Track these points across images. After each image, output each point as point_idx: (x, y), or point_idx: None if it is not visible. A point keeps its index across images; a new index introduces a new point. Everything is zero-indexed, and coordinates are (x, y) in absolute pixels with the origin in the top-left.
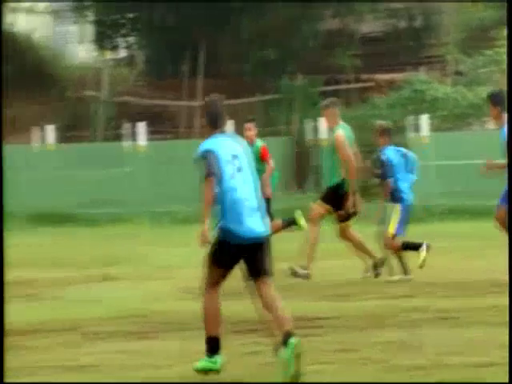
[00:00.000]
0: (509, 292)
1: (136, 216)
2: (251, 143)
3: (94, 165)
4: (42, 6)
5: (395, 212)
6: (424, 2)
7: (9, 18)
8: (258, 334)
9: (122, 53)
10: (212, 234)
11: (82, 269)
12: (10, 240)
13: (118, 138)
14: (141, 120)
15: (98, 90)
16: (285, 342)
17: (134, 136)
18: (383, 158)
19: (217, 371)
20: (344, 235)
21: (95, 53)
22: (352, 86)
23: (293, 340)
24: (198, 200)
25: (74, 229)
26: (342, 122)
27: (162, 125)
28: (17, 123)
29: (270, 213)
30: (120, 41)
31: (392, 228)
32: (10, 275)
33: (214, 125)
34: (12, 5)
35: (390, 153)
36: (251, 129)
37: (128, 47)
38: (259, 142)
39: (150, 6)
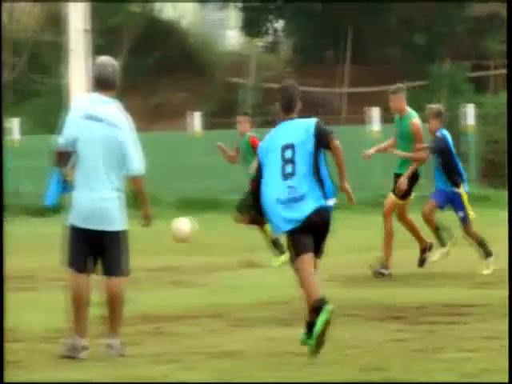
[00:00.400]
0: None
1: None
2: (243, 136)
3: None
4: None
5: (463, 197)
6: None
7: (157, 5)
8: (402, 321)
9: (269, 39)
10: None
11: (228, 255)
12: (157, 226)
13: (265, 124)
14: None
15: (244, 77)
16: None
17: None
18: (438, 134)
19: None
20: (402, 218)
21: (243, 39)
22: (499, 71)
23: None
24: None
25: (221, 215)
26: (409, 109)
27: (310, 111)
28: (164, 110)
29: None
30: (267, 27)
31: (471, 212)
32: (157, 262)
33: (283, 111)
34: None
35: (447, 133)
36: (241, 122)
37: (274, 33)
38: (248, 134)
39: None
